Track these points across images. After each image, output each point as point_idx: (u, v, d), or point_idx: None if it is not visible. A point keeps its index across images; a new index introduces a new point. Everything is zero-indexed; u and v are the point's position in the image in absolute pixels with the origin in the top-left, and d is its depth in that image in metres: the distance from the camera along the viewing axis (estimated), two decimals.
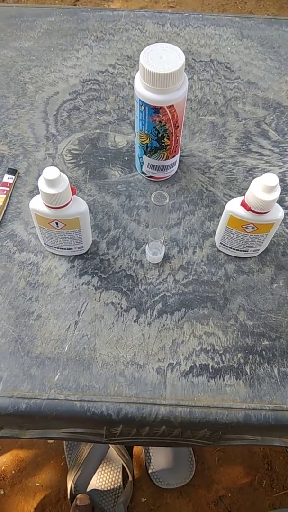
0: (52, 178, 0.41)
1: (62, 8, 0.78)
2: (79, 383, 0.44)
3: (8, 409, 0.42)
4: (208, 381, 0.44)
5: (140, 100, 0.47)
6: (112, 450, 0.94)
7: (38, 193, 0.45)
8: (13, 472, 1.00)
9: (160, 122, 0.49)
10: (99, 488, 0.93)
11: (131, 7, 1.87)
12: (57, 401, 0.43)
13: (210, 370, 0.45)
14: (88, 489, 0.93)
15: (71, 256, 0.52)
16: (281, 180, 0.59)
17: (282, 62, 0.72)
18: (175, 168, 0.59)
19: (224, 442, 0.48)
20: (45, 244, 0.51)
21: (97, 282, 0.51)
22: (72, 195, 0.45)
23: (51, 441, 1.02)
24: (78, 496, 0.90)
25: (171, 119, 0.49)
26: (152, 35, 0.75)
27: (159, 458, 0.98)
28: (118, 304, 0.49)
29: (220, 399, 0.43)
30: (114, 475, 0.95)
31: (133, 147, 0.61)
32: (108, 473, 0.94)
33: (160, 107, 0.47)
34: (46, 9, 0.78)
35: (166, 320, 0.48)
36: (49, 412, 0.42)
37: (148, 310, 0.49)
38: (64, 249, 0.51)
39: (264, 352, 0.46)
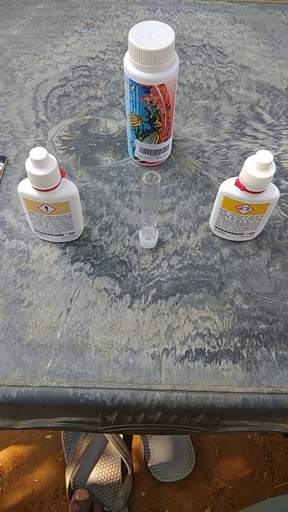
0: (40, 159, 0.40)
1: None
2: (72, 370, 0.43)
3: None
4: (204, 365, 0.43)
5: (130, 79, 0.46)
6: (111, 444, 0.93)
7: (27, 177, 0.43)
8: (10, 468, 0.98)
9: (151, 102, 0.47)
10: (98, 482, 0.92)
11: None
12: (50, 389, 0.41)
13: (206, 354, 0.44)
14: (87, 483, 0.92)
15: (62, 243, 0.51)
16: (277, 163, 0.58)
17: (275, 46, 0.71)
18: (168, 152, 0.57)
19: (222, 429, 0.47)
20: (35, 230, 0.50)
21: (90, 269, 0.49)
22: (62, 177, 0.43)
23: (48, 437, 1.01)
24: (77, 491, 0.89)
25: (162, 99, 0.47)
26: (143, 21, 0.73)
27: (159, 451, 0.97)
28: (112, 290, 0.48)
29: (217, 384, 0.42)
30: (113, 469, 0.93)
31: (125, 133, 0.60)
32: (107, 467, 0.93)
33: (151, 86, 0.46)
34: None
35: (160, 305, 0.47)
36: (41, 400, 0.41)
37: (142, 296, 0.48)
38: (55, 235, 0.49)
39: (261, 336, 0.45)
